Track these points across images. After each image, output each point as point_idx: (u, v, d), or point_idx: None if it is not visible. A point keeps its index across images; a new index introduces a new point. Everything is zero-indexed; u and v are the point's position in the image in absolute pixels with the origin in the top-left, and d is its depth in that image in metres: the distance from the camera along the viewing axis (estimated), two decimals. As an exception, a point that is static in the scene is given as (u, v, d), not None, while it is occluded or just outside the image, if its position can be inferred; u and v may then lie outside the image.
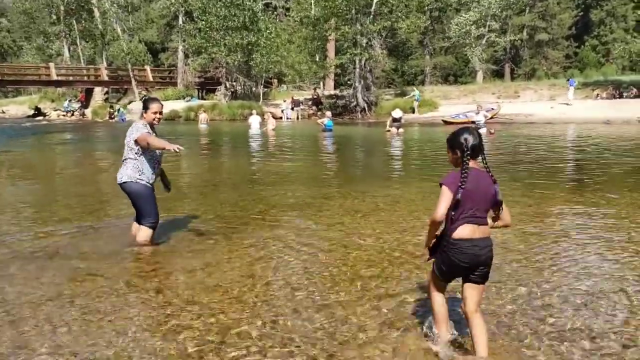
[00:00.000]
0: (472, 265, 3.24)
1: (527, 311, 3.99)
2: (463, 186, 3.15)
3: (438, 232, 3.37)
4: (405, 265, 5.00)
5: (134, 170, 5.57)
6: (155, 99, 5.82)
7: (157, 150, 5.64)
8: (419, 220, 6.65)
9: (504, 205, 3.33)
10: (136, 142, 5.49)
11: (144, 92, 48.17)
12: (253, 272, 4.89)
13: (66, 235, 6.21)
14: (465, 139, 3.26)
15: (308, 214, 7.22)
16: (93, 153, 17.58)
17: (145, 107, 5.67)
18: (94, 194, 9.27)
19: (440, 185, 3.25)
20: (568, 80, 36.28)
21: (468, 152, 3.24)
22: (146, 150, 5.55)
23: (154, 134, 5.65)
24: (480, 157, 3.33)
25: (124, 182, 5.60)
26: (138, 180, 5.56)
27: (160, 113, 5.72)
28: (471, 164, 3.26)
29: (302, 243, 5.78)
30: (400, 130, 23.30)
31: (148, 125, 5.61)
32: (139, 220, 5.79)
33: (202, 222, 6.80)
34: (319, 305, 4.12)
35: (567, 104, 32.99)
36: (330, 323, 3.82)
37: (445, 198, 3.18)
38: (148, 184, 5.63)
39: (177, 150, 5.11)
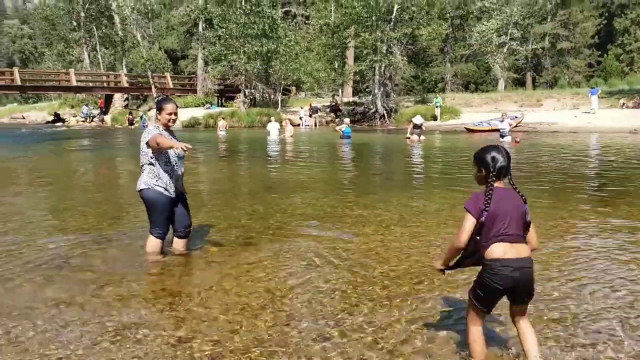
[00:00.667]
0: (508, 287, 2.98)
1: (575, 337, 3.59)
2: (487, 208, 2.97)
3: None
4: (438, 284, 4.61)
5: (149, 176, 5.26)
6: (168, 99, 5.49)
7: (173, 153, 5.31)
8: (448, 234, 6.27)
9: (532, 227, 3.11)
10: (148, 145, 5.19)
11: (163, 99, 48.29)
12: (271, 287, 4.55)
13: (77, 245, 5.91)
14: (493, 158, 3.05)
15: (328, 224, 6.86)
16: (111, 160, 17.41)
17: (159, 109, 5.33)
18: (109, 202, 9.01)
19: (465, 209, 3.06)
20: (592, 88, 35.43)
21: (494, 172, 3.03)
22: (161, 153, 5.23)
23: (173, 138, 5.32)
24: (507, 178, 3.10)
25: (140, 190, 5.31)
26: (154, 187, 5.24)
27: (175, 114, 5.37)
28: (498, 184, 3.04)
29: (323, 257, 5.42)
30: (422, 137, 22.89)
31: (161, 127, 5.29)
32: (175, 227, 5.52)
33: (219, 232, 6.47)
34: (342, 326, 3.77)
35: (589, 112, 32.29)
36: (356, 347, 3.46)
37: (468, 224, 3.03)
38: (165, 191, 5.28)
39: (185, 149, 4.77)
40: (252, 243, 5.93)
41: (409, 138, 22.88)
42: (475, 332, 3.15)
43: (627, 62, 61.31)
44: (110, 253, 5.65)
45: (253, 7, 39.08)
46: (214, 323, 3.83)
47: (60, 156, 18.19)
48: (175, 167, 5.39)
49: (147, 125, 32.74)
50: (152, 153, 5.23)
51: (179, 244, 5.58)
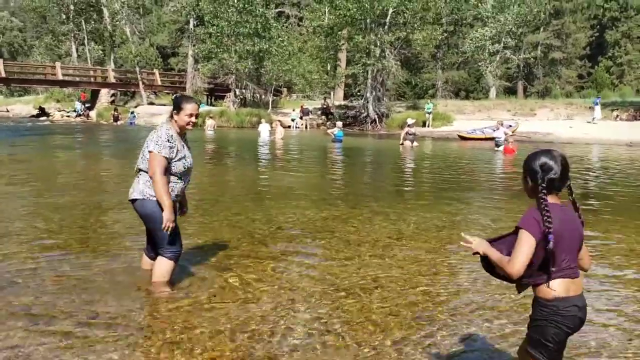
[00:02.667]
0: (575, 330, 2.49)
1: None
2: (551, 230, 2.32)
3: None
4: (452, 323, 3.91)
5: (146, 185, 4.34)
6: (190, 97, 4.56)
7: (182, 165, 4.42)
8: (456, 255, 5.59)
9: (584, 247, 2.56)
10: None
11: (152, 96, 47.48)
12: (252, 327, 3.81)
13: (31, 264, 5.13)
14: (543, 165, 2.44)
15: (321, 242, 6.12)
16: (96, 158, 16.56)
17: (178, 107, 4.38)
18: (87, 207, 8.20)
19: (518, 228, 2.42)
20: (597, 98, 35.53)
21: (543, 184, 2.42)
22: (172, 161, 4.36)
23: (185, 146, 4.46)
24: (567, 189, 2.53)
25: (134, 200, 4.38)
26: (151, 197, 4.30)
27: (197, 116, 4.46)
28: (552, 199, 2.43)
29: (315, 287, 4.66)
30: (415, 144, 22.34)
31: (175, 135, 4.38)
32: (155, 251, 4.54)
33: (199, 249, 5.70)
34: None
35: (591, 122, 32.39)
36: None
37: (527, 247, 2.36)
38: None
39: (166, 228, 4.19)
40: (236, 265, 5.18)
41: (402, 144, 22.32)
42: None
43: (617, 75, 61.35)
44: (66, 273, 4.85)
45: (246, 6, 38.32)
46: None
47: (42, 153, 17.28)
48: (180, 179, 4.49)
49: (134, 123, 31.73)
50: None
51: (149, 265, 4.68)
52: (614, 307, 4.33)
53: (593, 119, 32.84)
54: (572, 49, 62.51)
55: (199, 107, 4.53)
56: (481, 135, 28.28)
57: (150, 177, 4.24)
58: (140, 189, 4.36)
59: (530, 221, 2.40)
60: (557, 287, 2.42)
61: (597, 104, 33.56)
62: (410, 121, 23.50)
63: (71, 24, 48.80)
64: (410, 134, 22.59)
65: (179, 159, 4.39)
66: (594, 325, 3.89)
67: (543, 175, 2.43)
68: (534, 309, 2.51)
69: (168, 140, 4.28)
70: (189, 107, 4.36)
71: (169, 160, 4.29)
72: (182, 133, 4.47)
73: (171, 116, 4.44)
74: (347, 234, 6.56)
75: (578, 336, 3.67)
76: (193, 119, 4.42)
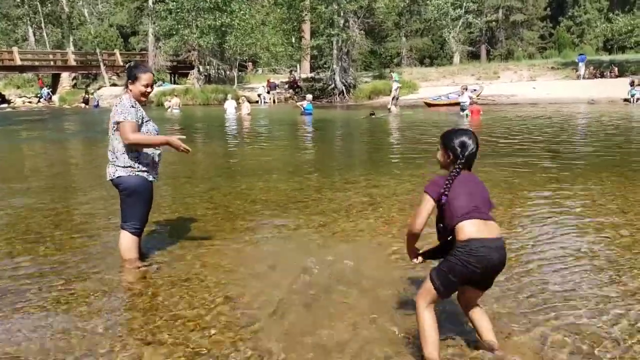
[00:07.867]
0: (485, 270, 2.68)
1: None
2: (447, 192, 2.73)
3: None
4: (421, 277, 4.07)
5: (129, 161, 4.29)
6: (144, 66, 4.45)
7: (152, 128, 4.41)
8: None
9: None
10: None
11: (114, 77, 46.59)
12: (229, 294, 3.92)
13: (4, 249, 5.13)
14: (463, 144, 2.82)
15: (294, 212, 6.23)
16: (65, 144, 16.30)
17: (134, 77, 4.30)
18: (51, 194, 8.14)
19: (425, 192, 2.81)
20: (581, 55, 36.41)
21: (462, 160, 2.79)
22: (140, 127, 4.28)
23: (143, 118, 4.35)
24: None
25: (118, 177, 4.29)
26: (136, 172, 4.30)
27: (152, 86, 4.41)
28: (463, 172, 2.82)
29: (289, 254, 4.78)
30: (396, 109, 23.20)
31: (138, 104, 4.31)
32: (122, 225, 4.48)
33: (170, 225, 5.77)
34: (311, 340, 3.19)
35: (577, 79, 33.51)
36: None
37: (427, 207, 2.79)
38: (149, 175, 4.38)
39: (186, 151, 4.37)
40: (209, 238, 5.25)
41: (394, 105, 22.96)
42: (431, 318, 2.81)
43: (578, 34, 62.21)
44: (41, 255, 4.89)
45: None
46: (161, 342, 3.19)
47: (9, 142, 16.95)
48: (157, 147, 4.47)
49: (98, 105, 30.92)
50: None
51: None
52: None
53: (579, 76, 33.59)
54: (532, 10, 63.01)
55: (154, 76, 4.54)
56: (446, 101, 28.60)
57: (132, 142, 4.20)
58: (123, 165, 4.29)
59: (433, 187, 2.78)
60: (465, 229, 2.66)
61: (582, 60, 34.29)
62: (396, 85, 24.18)
63: (26, 7, 47.36)
64: (395, 98, 23.45)
65: (147, 121, 4.40)
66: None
67: (463, 151, 2.78)
68: (452, 250, 2.73)
69: (132, 106, 4.26)
70: (144, 77, 4.33)
71: (138, 124, 4.26)
72: (140, 104, 4.41)
73: (126, 86, 4.38)
74: (321, 202, 6.68)
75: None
76: (149, 89, 4.38)
